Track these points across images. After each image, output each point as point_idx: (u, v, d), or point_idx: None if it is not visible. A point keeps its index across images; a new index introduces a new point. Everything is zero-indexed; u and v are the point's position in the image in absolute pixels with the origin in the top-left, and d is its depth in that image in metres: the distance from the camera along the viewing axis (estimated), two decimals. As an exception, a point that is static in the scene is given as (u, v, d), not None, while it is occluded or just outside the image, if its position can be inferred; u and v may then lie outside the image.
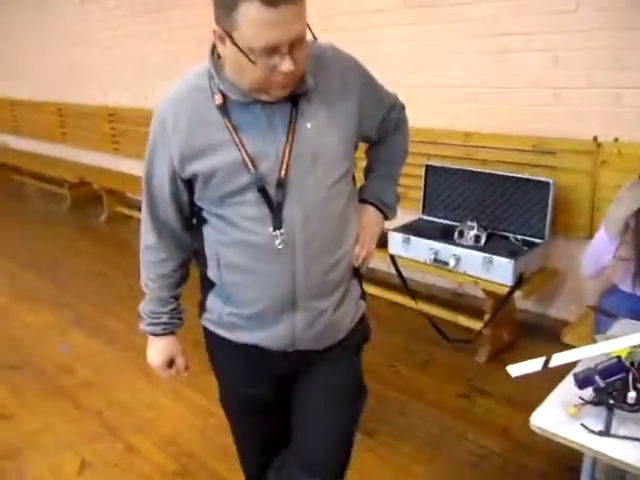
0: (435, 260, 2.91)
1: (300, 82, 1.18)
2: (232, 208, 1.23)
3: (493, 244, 2.87)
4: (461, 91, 3.20)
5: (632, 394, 1.22)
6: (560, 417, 1.30)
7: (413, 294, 3.07)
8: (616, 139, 2.68)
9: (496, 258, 2.70)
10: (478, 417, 2.51)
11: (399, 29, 3.36)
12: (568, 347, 1.43)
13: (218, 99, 1.19)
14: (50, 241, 5.15)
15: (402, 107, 1.50)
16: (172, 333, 1.47)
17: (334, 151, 1.25)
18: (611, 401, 1.24)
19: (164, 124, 1.23)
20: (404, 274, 3.11)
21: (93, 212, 5.89)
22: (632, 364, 1.26)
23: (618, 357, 1.27)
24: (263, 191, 1.19)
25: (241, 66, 1.11)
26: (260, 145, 1.19)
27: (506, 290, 2.69)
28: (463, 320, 3.07)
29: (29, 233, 5.46)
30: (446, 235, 3.00)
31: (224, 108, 1.19)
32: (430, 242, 2.94)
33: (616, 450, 1.19)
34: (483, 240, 2.88)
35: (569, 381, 1.38)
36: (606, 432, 1.22)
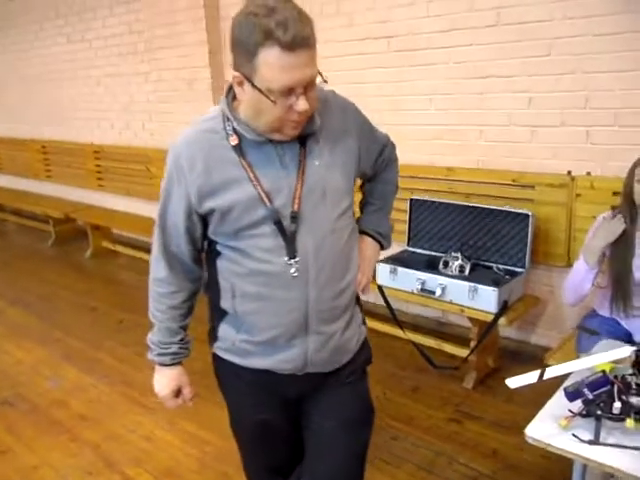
0: (422, 290, 3.02)
1: (309, 122, 1.29)
2: (247, 240, 1.31)
3: (477, 274, 3.01)
4: (444, 129, 3.36)
5: (617, 404, 1.33)
6: (552, 429, 1.41)
7: (401, 323, 3.16)
8: (588, 173, 2.86)
9: (481, 287, 2.83)
10: (468, 441, 2.59)
11: (383, 71, 3.54)
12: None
13: (234, 140, 1.29)
14: (36, 277, 5.15)
15: (393, 146, 1.63)
16: (180, 363, 1.52)
17: (338, 187, 1.36)
18: (599, 412, 1.35)
19: (179, 164, 1.31)
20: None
21: (78, 248, 5.90)
22: (616, 377, 1.38)
23: (603, 371, 1.38)
24: (278, 223, 1.29)
25: (259, 107, 1.22)
26: (274, 181, 1.29)
27: (491, 317, 2.82)
28: (449, 348, 3.18)
29: (14, 270, 5.45)
30: (431, 266, 3.13)
31: (239, 148, 1.29)
32: (417, 272, 3.06)
33: (605, 457, 1.30)
34: (467, 270, 3.01)
35: (558, 397, 1.50)
36: (595, 441, 1.33)
